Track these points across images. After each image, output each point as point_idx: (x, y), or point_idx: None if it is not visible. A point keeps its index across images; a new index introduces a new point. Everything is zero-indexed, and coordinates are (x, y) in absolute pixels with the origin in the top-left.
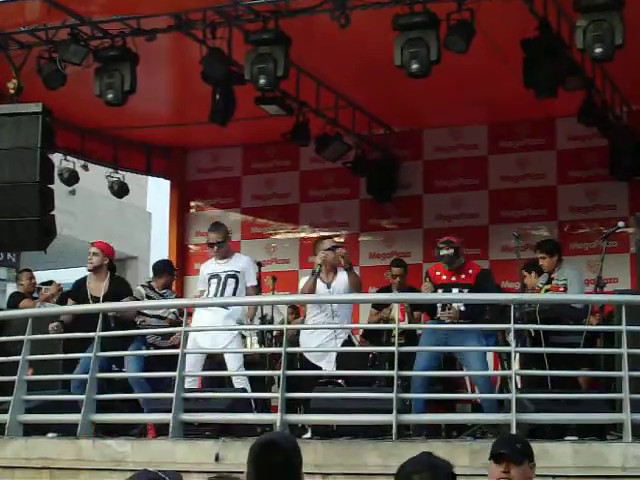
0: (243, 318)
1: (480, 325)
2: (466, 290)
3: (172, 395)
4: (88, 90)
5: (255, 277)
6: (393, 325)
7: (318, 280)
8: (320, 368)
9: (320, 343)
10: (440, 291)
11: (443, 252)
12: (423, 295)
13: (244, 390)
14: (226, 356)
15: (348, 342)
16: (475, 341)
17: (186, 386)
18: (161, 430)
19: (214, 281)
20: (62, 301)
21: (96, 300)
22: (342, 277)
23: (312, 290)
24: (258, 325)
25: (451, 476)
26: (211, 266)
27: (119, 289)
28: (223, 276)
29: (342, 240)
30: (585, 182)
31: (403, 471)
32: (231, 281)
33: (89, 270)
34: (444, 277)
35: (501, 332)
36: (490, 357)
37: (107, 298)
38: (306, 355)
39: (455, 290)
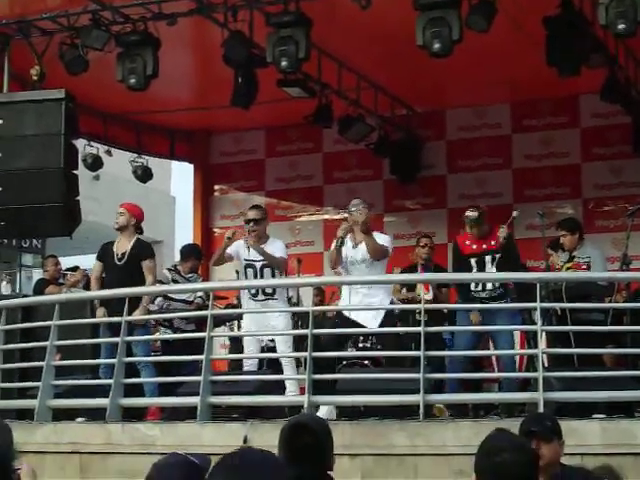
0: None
1: (507, 305)
2: (497, 255)
3: (200, 378)
4: (110, 75)
5: (285, 254)
6: (419, 305)
7: (349, 239)
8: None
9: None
10: (473, 260)
11: (468, 213)
12: (452, 275)
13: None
14: (277, 343)
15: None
16: (507, 318)
17: (246, 369)
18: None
19: (250, 271)
20: (88, 286)
21: (119, 258)
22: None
23: (335, 260)
24: (284, 307)
25: (538, 458)
26: (247, 250)
27: (140, 250)
28: (258, 266)
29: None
30: (609, 159)
31: (487, 450)
32: (267, 271)
33: (116, 229)
34: (474, 246)
35: (527, 311)
36: (516, 335)
37: (129, 258)
38: (346, 313)
39: (488, 257)
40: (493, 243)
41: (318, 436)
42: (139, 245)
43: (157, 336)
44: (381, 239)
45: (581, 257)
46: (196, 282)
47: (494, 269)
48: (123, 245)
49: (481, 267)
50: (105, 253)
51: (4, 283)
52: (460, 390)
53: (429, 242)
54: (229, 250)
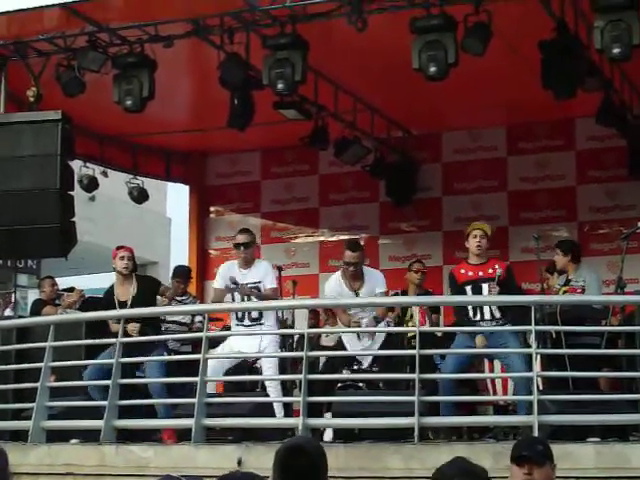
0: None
1: (502, 328)
2: (495, 283)
3: (194, 400)
4: (107, 97)
5: (274, 280)
6: (414, 328)
7: (347, 289)
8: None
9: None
10: (469, 288)
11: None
12: (445, 298)
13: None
14: (262, 363)
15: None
16: (516, 341)
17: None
18: (183, 435)
19: (237, 295)
20: (84, 307)
21: (123, 305)
22: (371, 281)
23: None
24: (279, 329)
25: None
26: (234, 274)
27: (149, 286)
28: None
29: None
30: (604, 182)
31: (439, 474)
32: None
33: (124, 274)
34: (470, 273)
35: (522, 333)
36: None
37: (133, 301)
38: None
39: (485, 285)
40: (490, 271)
41: (313, 458)
42: (143, 285)
43: (152, 357)
44: (380, 283)
45: (577, 281)
46: (191, 304)
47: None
48: (124, 291)
49: (477, 294)
50: (107, 301)
51: (8, 309)
52: (454, 413)
53: (422, 267)
54: (220, 284)
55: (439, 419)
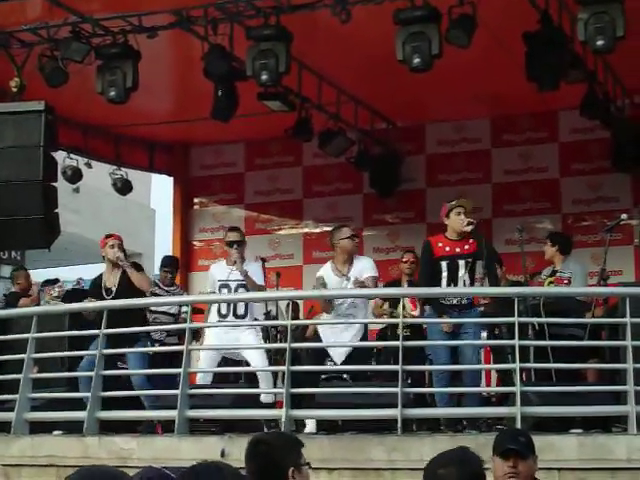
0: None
1: (485, 319)
2: (471, 260)
3: (177, 392)
4: (90, 88)
5: (262, 277)
6: (398, 320)
7: (333, 273)
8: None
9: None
10: (444, 263)
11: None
12: (430, 289)
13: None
14: (251, 355)
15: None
16: (475, 329)
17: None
18: (167, 427)
19: (224, 291)
20: (69, 298)
21: (108, 291)
22: (359, 265)
23: (325, 307)
24: (262, 321)
25: (478, 476)
26: (222, 270)
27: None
28: (233, 286)
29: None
30: (588, 174)
31: (431, 464)
32: (242, 291)
33: (114, 263)
34: (447, 249)
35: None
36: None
37: (123, 285)
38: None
39: (462, 262)
40: (467, 247)
41: (272, 448)
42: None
43: (134, 349)
44: (369, 267)
45: (563, 272)
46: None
47: (467, 275)
48: (113, 278)
49: (453, 271)
50: (94, 287)
51: None
52: (451, 404)
53: (411, 257)
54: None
55: (422, 411)
